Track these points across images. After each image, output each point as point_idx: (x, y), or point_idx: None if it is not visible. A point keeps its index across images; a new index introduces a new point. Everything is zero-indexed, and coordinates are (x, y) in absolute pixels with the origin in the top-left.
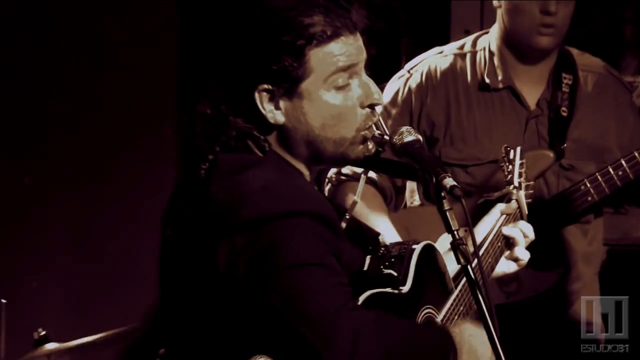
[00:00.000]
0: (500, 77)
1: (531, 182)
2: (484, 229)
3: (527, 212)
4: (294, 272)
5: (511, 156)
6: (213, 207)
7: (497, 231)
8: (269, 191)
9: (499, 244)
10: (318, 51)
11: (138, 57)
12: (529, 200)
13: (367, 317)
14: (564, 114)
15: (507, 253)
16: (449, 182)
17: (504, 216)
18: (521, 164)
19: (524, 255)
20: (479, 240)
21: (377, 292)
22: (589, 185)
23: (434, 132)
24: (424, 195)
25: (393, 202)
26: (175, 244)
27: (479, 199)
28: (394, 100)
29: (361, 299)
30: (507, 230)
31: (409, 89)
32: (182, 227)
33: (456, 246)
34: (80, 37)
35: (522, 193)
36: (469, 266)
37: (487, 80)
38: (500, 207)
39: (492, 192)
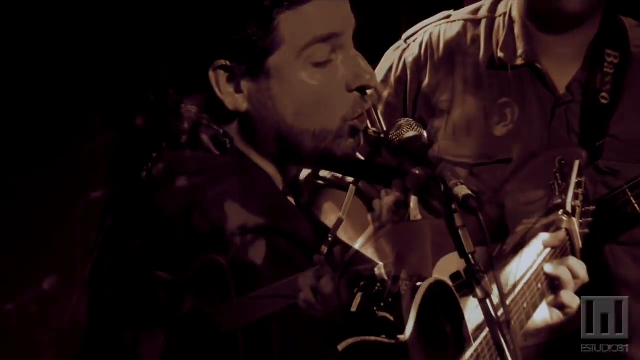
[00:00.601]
0: (520, 52)
1: (591, 208)
2: (522, 266)
3: (580, 247)
4: (250, 306)
5: (566, 171)
6: (154, 221)
7: (537, 269)
8: (223, 202)
9: (540, 285)
10: (290, 15)
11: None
12: (585, 230)
13: None
14: (604, 102)
15: (550, 298)
16: (461, 190)
17: (549, 250)
18: (578, 183)
19: (572, 302)
20: (512, 281)
21: (363, 341)
22: (629, 193)
23: (434, 121)
24: (422, 205)
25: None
26: (109, 268)
27: (495, 210)
28: (386, 79)
29: (339, 348)
30: (551, 269)
31: (404, 63)
32: (117, 246)
33: (472, 274)
34: None
35: (575, 221)
36: (488, 300)
37: (501, 54)
38: (544, 238)
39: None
